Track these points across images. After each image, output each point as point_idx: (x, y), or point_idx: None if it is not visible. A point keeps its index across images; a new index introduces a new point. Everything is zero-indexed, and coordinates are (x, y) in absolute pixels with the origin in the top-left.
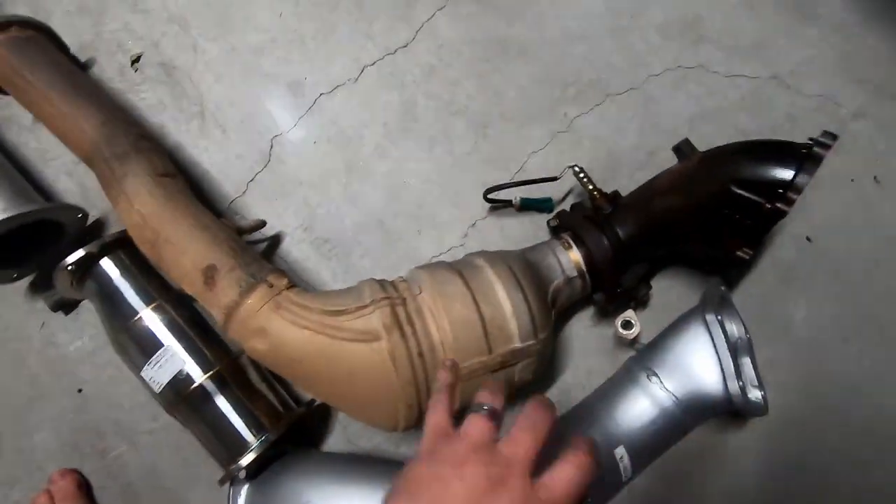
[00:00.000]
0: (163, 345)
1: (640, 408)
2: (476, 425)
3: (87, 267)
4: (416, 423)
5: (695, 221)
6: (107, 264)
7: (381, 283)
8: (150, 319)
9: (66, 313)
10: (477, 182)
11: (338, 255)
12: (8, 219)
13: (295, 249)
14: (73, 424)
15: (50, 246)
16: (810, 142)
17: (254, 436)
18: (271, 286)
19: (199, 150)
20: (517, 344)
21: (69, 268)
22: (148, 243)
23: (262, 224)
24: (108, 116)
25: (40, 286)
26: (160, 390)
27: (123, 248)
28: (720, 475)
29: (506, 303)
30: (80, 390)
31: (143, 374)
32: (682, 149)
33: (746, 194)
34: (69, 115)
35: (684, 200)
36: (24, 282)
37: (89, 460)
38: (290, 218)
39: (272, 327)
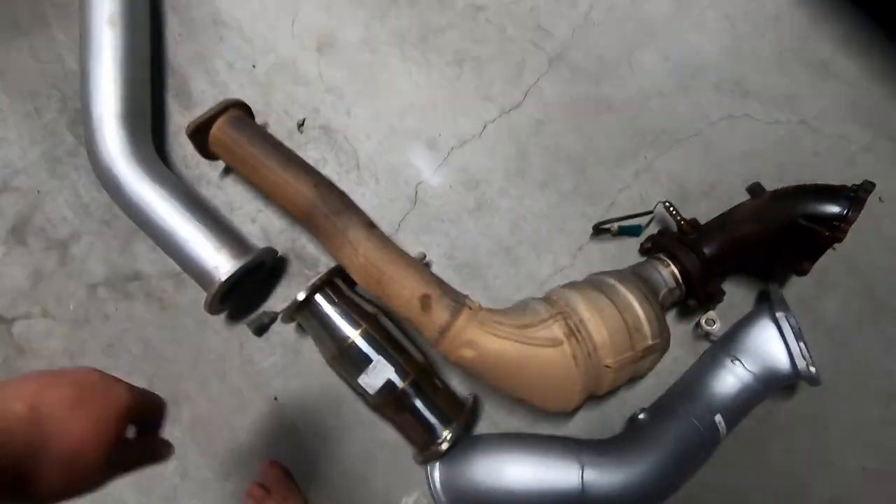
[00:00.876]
0: (373, 359)
1: (728, 384)
2: None
3: (306, 304)
4: (581, 405)
5: (765, 244)
6: (320, 300)
7: (548, 302)
8: (360, 341)
9: (261, 336)
10: (578, 214)
11: (476, 277)
12: (242, 266)
13: (442, 273)
14: (272, 426)
15: (251, 280)
16: (856, 187)
17: (444, 424)
18: (471, 308)
19: (358, 195)
20: (650, 342)
21: (296, 304)
22: (374, 280)
23: (424, 256)
24: (317, 179)
25: (236, 315)
26: (373, 393)
27: (328, 285)
28: (778, 431)
29: (640, 311)
30: (275, 398)
31: (360, 381)
32: (755, 189)
33: (811, 225)
34: (288, 180)
35: (758, 228)
36: (223, 316)
37: (285, 454)
38: (436, 249)
39: (479, 340)
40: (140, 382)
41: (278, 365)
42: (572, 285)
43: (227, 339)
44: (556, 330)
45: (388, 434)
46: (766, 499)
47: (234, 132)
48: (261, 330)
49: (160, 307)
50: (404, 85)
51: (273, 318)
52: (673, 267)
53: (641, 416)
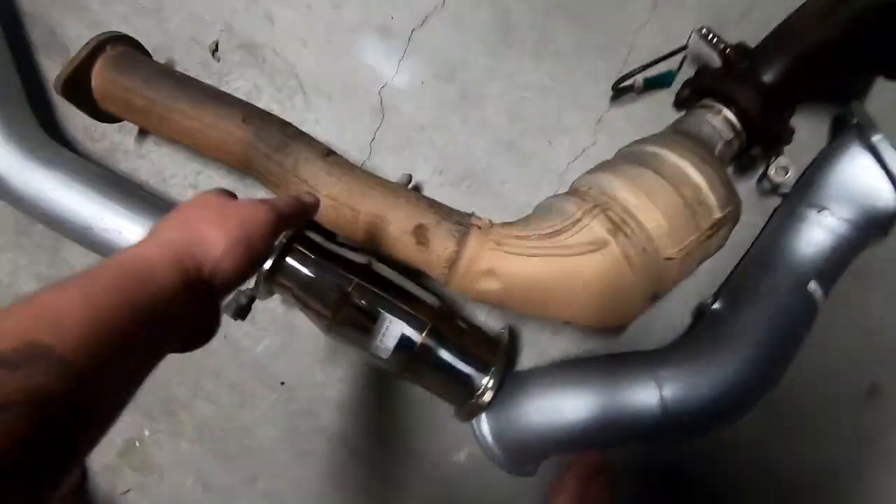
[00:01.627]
0: (376, 317)
1: (818, 241)
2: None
3: (278, 269)
4: (642, 312)
5: (844, 50)
6: (294, 261)
7: (577, 195)
8: (355, 298)
9: (244, 318)
10: (589, 76)
11: (479, 188)
12: None
13: (437, 194)
14: (287, 412)
15: None
16: None
17: (481, 371)
18: (480, 228)
19: (311, 124)
20: (718, 214)
21: (265, 274)
22: (348, 222)
23: (409, 178)
24: (245, 112)
25: None
26: (388, 357)
27: (299, 242)
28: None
29: (699, 179)
30: (282, 383)
31: (367, 347)
32: None
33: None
34: (209, 122)
35: (832, 31)
36: None
37: (312, 438)
38: (422, 165)
39: (500, 265)
40: None
41: (274, 346)
42: (603, 167)
43: None
44: (597, 228)
45: (419, 392)
46: (873, 355)
47: (119, 76)
48: (241, 313)
49: None
50: None
51: (250, 297)
52: (726, 111)
53: (716, 305)
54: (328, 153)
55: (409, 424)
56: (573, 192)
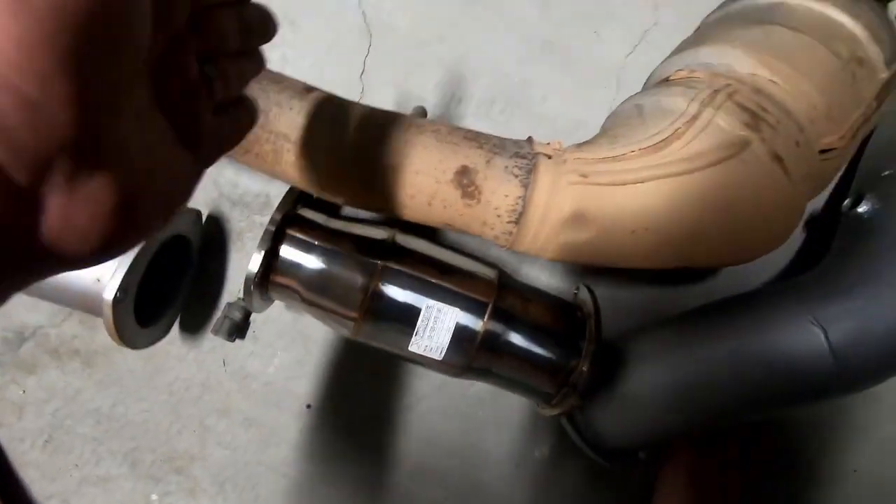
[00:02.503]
0: (420, 307)
1: None
2: None
3: (272, 268)
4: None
5: None
6: (291, 253)
7: (681, 83)
8: (386, 287)
9: (243, 337)
10: None
11: (515, 111)
12: (134, 268)
13: None
14: (322, 440)
15: (182, 274)
16: None
17: (568, 351)
18: (550, 156)
19: (277, 64)
20: (884, 74)
21: (256, 280)
22: (358, 186)
23: (424, 111)
24: None
25: (191, 323)
26: (442, 357)
27: (293, 226)
28: None
29: (855, 26)
30: (308, 406)
31: (412, 348)
32: None
33: None
34: None
35: None
36: (175, 335)
37: (359, 463)
38: (434, 93)
39: (592, 204)
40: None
41: (288, 364)
42: (700, 39)
43: (200, 361)
44: (726, 123)
45: (480, 386)
46: None
47: None
48: (235, 332)
49: (83, 362)
50: None
51: (245, 309)
52: None
53: (862, 206)
54: (307, 90)
55: (476, 426)
56: (668, 83)
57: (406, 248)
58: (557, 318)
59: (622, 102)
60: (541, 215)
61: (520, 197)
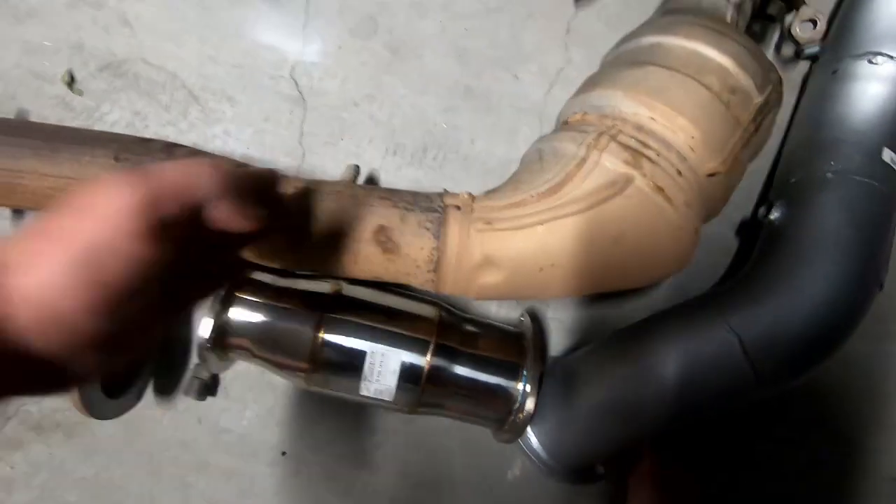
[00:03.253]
0: (364, 352)
1: (878, 97)
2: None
3: (223, 331)
4: (695, 248)
5: None
6: (239, 314)
7: (571, 128)
8: (330, 336)
9: (214, 394)
10: None
11: (447, 156)
12: None
13: (399, 179)
14: (300, 484)
15: None
16: None
17: (511, 378)
18: (459, 207)
19: (220, 139)
20: (758, 98)
21: (208, 345)
22: (290, 250)
23: (357, 169)
24: (117, 147)
25: (163, 385)
26: (393, 397)
27: (242, 289)
28: None
29: (723, 59)
30: (283, 453)
31: (363, 393)
32: None
33: None
34: (71, 174)
35: None
36: (150, 399)
37: (337, 501)
38: (370, 149)
39: (497, 249)
40: None
41: (260, 415)
42: (592, 83)
43: (175, 421)
44: (610, 163)
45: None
46: None
47: None
48: (205, 391)
49: (65, 434)
50: None
51: (211, 370)
52: None
53: (772, 214)
54: (237, 167)
55: (447, 456)
56: (564, 126)
57: (351, 297)
58: (500, 347)
59: (533, 143)
60: (455, 262)
61: (434, 248)
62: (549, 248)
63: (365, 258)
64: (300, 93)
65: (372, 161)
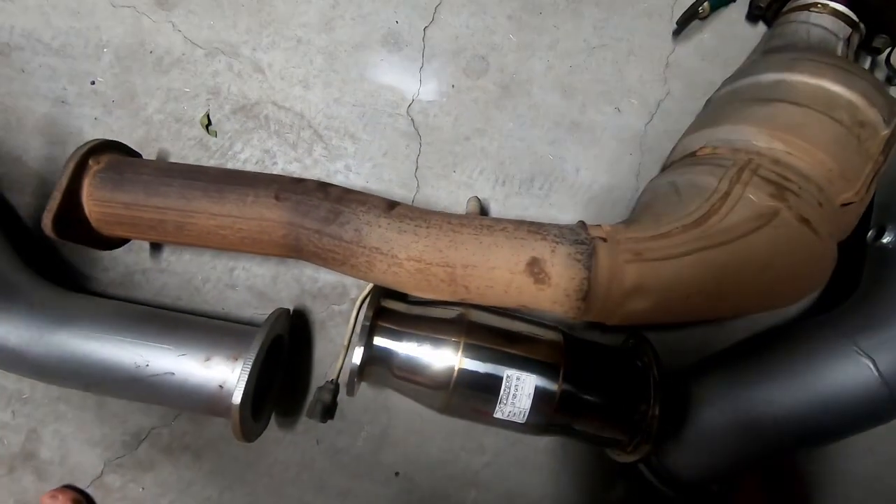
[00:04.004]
0: (500, 377)
1: None
2: None
3: (369, 359)
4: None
5: None
6: (384, 342)
7: (707, 162)
8: (468, 363)
9: (332, 416)
10: (642, 16)
11: (553, 185)
12: (251, 367)
13: (508, 208)
14: (411, 502)
15: (277, 368)
16: None
17: (636, 401)
18: (605, 240)
19: (341, 174)
20: (885, 131)
21: (356, 371)
22: (444, 283)
23: (479, 202)
24: (277, 189)
25: (286, 408)
26: (525, 420)
27: (381, 318)
28: None
29: (850, 95)
30: (396, 474)
31: (497, 415)
32: None
33: None
34: (237, 213)
35: None
36: (272, 422)
37: None
38: (480, 180)
39: (647, 278)
40: None
41: (375, 435)
42: (715, 118)
43: (295, 442)
44: (755, 196)
45: (548, 437)
46: None
47: (116, 193)
48: (327, 413)
49: (193, 456)
50: None
51: (334, 391)
52: (832, 2)
53: (887, 237)
54: (391, 206)
55: (551, 476)
56: (694, 157)
57: (483, 324)
58: (623, 370)
59: (655, 178)
60: (605, 291)
61: (585, 278)
62: (697, 277)
63: (517, 288)
64: (416, 129)
65: (482, 191)
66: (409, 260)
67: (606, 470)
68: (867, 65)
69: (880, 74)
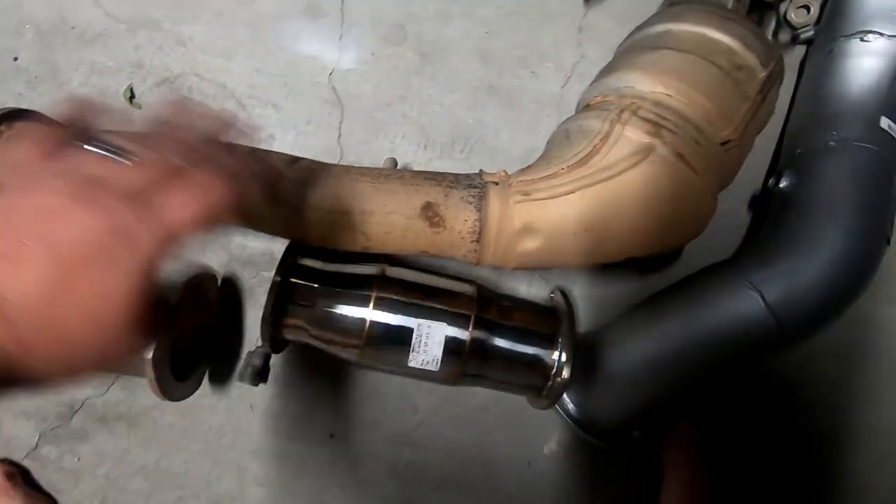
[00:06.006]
0: (412, 328)
1: (872, 70)
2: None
3: (281, 314)
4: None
5: None
6: (297, 298)
7: (595, 108)
8: (380, 316)
9: (265, 381)
10: None
11: (474, 149)
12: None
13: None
14: (347, 466)
15: (206, 332)
16: None
17: (548, 346)
18: (497, 183)
19: (266, 144)
20: (762, 73)
21: (269, 327)
22: (345, 230)
23: (395, 162)
24: None
25: (219, 374)
26: (438, 368)
27: (296, 275)
28: None
29: (729, 40)
30: (331, 436)
31: (411, 364)
32: None
33: None
34: None
35: None
36: (206, 389)
37: (381, 483)
38: (403, 145)
39: (536, 216)
40: None
41: (308, 397)
42: (610, 68)
43: (230, 408)
44: (633, 134)
45: (483, 395)
46: None
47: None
48: (259, 376)
49: (128, 424)
50: None
51: (265, 355)
52: None
53: (781, 183)
54: (293, 161)
55: (486, 432)
56: (588, 107)
57: (394, 278)
58: (535, 319)
59: (559, 125)
60: (496, 232)
61: (476, 220)
62: (581, 213)
63: (414, 233)
64: (338, 97)
65: (405, 156)
66: (309, 209)
67: (540, 425)
68: (772, 25)
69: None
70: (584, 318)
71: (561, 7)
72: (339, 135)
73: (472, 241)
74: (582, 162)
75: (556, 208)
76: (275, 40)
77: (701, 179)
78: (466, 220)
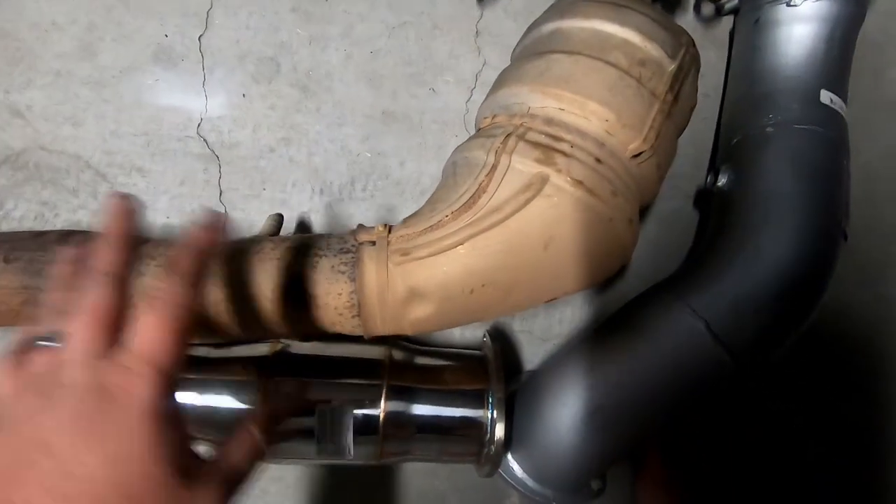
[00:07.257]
0: (312, 412)
1: (803, 38)
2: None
3: None
4: (637, 237)
5: None
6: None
7: (480, 135)
8: (277, 404)
9: None
10: None
11: (377, 183)
12: None
13: (334, 219)
14: None
15: None
16: None
17: (476, 405)
18: (373, 242)
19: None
20: (671, 66)
21: None
22: (204, 329)
23: (279, 218)
24: (4, 250)
25: None
26: (353, 454)
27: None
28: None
29: (624, 32)
30: None
31: (321, 456)
32: None
33: None
34: None
35: None
36: None
37: None
38: (295, 192)
39: (421, 278)
40: None
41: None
42: (499, 83)
43: None
44: (521, 164)
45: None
46: None
47: None
48: None
49: None
50: (49, 9)
51: None
52: None
53: (719, 181)
54: (141, 243)
55: (437, 499)
56: (478, 132)
57: (291, 355)
58: (460, 377)
59: (449, 157)
60: (377, 303)
61: (352, 292)
62: (474, 268)
63: (287, 317)
64: (211, 150)
65: (300, 205)
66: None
67: (494, 483)
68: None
69: (708, 8)
70: (530, 353)
71: (452, 11)
72: (220, 192)
73: (352, 317)
74: (468, 205)
75: (442, 266)
76: (128, 95)
77: (608, 205)
78: (340, 294)
